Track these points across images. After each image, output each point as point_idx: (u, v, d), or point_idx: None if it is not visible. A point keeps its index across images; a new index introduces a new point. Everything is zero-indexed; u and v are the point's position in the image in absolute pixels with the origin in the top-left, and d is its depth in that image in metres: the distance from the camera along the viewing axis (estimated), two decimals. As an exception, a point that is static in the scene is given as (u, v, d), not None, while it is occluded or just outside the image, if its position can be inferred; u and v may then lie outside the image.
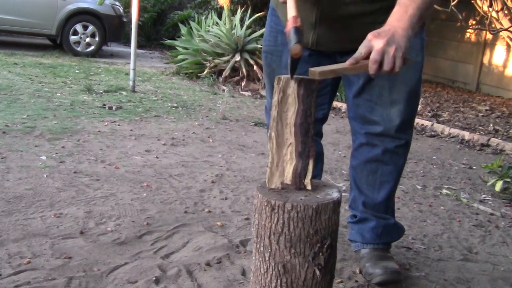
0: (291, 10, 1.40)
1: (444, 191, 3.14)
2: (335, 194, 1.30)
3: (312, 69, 1.32)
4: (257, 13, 7.20)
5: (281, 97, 1.32)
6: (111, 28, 8.07)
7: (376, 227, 1.93)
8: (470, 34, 8.48)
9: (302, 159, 1.33)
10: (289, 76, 1.32)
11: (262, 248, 1.30)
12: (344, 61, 1.81)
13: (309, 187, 1.33)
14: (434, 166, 3.76)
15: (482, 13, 5.89)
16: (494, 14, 5.60)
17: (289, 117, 1.32)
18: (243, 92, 6.31)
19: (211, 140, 3.80)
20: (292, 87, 1.31)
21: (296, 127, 1.31)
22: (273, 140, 1.34)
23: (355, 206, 1.98)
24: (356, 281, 1.88)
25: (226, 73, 6.60)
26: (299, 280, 1.27)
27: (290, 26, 1.35)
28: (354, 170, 1.95)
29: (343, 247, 2.11)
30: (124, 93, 5.27)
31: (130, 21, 6.72)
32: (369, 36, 1.35)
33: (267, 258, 1.29)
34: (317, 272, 1.26)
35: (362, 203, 1.93)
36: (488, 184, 3.23)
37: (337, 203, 1.27)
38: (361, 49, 1.35)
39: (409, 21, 1.38)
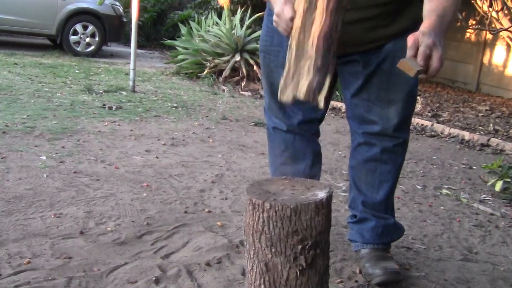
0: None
1: (444, 191, 3.14)
2: (321, 195, 1.27)
3: (404, 65, 1.28)
4: (257, 13, 7.19)
5: (307, 7, 1.27)
6: (111, 28, 8.07)
7: (376, 227, 1.92)
8: (470, 34, 8.48)
9: (319, 74, 1.27)
10: None
11: (248, 246, 1.31)
12: (341, 62, 1.81)
13: (321, 105, 1.28)
14: (434, 166, 3.76)
15: (482, 13, 5.90)
16: (494, 14, 5.60)
17: (313, 29, 1.26)
18: (243, 92, 6.31)
19: (211, 140, 3.80)
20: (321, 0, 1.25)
21: (319, 40, 1.26)
22: (293, 50, 1.29)
23: (354, 206, 1.98)
24: (356, 281, 1.88)
25: (226, 73, 6.60)
26: (281, 280, 1.27)
27: None
28: (353, 170, 1.96)
29: (343, 247, 2.11)
30: (124, 93, 5.27)
31: (130, 21, 6.72)
32: (416, 33, 1.34)
33: (251, 256, 1.30)
34: (298, 274, 1.25)
35: (362, 203, 1.93)
36: (488, 184, 3.23)
37: (320, 204, 1.25)
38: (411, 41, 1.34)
39: (443, 32, 1.42)
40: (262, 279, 1.29)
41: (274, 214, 1.23)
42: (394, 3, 1.66)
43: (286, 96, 1.29)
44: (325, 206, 1.26)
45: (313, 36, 1.27)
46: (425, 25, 1.41)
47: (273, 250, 1.25)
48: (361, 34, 1.71)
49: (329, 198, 1.28)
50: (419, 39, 1.33)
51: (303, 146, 1.96)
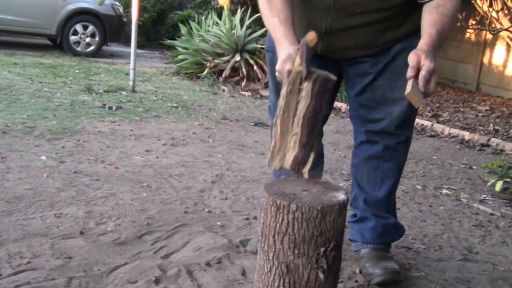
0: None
1: (444, 191, 3.14)
2: (341, 197, 1.29)
3: (412, 97, 1.37)
4: (257, 13, 7.19)
5: (290, 89, 1.33)
6: (111, 28, 8.06)
7: (376, 226, 1.93)
8: (470, 34, 8.48)
9: (304, 150, 1.34)
10: (300, 70, 1.32)
11: (266, 248, 1.30)
12: (348, 64, 1.82)
13: (306, 176, 1.35)
14: (434, 166, 3.76)
15: (482, 13, 5.90)
16: (494, 14, 5.60)
17: (299, 109, 1.33)
18: (243, 92, 6.31)
19: (211, 140, 3.80)
20: (307, 82, 1.31)
21: (304, 119, 1.33)
22: (278, 127, 1.36)
23: (356, 204, 1.98)
24: (356, 281, 1.88)
25: (226, 73, 6.60)
26: (301, 281, 1.27)
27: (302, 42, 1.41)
28: (355, 168, 1.96)
29: (343, 247, 2.10)
30: (124, 93, 5.27)
31: (130, 21, 6.72)
32: (418, 52, 1.42)
33: (271, 258, 1.29)
34: (321, 275, 1.25)
35: (363, 200, 1.94)
36: (488, 184, 3.23)
37: (343, 205, 1.26)
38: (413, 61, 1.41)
39: (439, 49, 1.51)
40: (281, 281, 1.28)
41: (300, 216, 1.23)
42: (403, 6, 1.67)
43: (273, 166, 1.38)
44: (345, 207, 1.28)
45: (298, 116, 1.34)
46: (426, 42, 1.46)
47: (296, 251, 1.25)
48: (371, 38, 1.72)
49: (348, 199, 1.30)
50: (421, 60, 1.38)
51: None
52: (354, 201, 1.99)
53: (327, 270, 1.27)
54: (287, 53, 1.52)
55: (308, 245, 1.24)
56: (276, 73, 1.55)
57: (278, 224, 1.26)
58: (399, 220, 2.06)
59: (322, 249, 1.24)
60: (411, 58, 1.41)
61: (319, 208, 1.22)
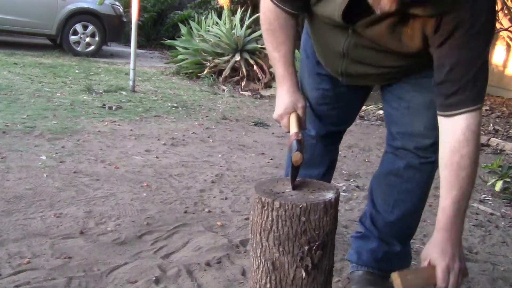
0: (293, 127, 1.47)
1: (444, 191, 3.14)
2: (329, 196, 1.28)
3: (397, 279, 1.28)
4: (257, 13, 7.19)
5: None
6: (111, 28, 8.07)
7: (376, 250, 1.76)
8: (470, 34, 8.46)
9: None
10: None
11: (255, 245, 1.31)
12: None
13: None
14: (434, 166, 3.76)
15: (482, 13, 5.88)
16: (494, 14, 5.60)
17: None
18: (243, 92, 6.31)
19: (211, 140, 3.80)
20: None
21: None
22: None
23: (364, 220, 1.82)
24: (356, 281, 1.88)
25: (226, 73, 6.60)
26: (287, 279, 1.27)
27: (292, 139, 1.41)
28: (374, 180, 1.80)
29: (343, 247, 2.11)
30: (124, 93, 5.27)
31: (130, 21, 6.72)
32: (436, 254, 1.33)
33: (258, 255, 1.30)
34: (303, 274, 1.25)
35: (370, 217, 1.78)
36: (488, 184, 3.23)
37: (329, 205, 1.25)
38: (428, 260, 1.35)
39: (461, 226, 1.34)
40: (268, 278, 1.29)
41: (283, 213, 1.23)
42: (419, 57, 1.44)
43: None
44: (333, 206, 1.27)
45: None
46: (442, 236, 1.31)
47: (281, 249, 1.25)
48: (379, 82, 1.67)
49: (337, 198, 1.29)
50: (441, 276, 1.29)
51: (322, 152, 1.91)
52: (364, 216, 1.83)
53: (314, 269, 1.26)
54: (284, 106, 1.50)
55: (292, 243, 1.24)
56: (274, 118, 1.55)
57: (263, 221, 1.26)
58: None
59: (307, 248, 1.24)
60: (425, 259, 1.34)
61: (301, 206, 1.22)
